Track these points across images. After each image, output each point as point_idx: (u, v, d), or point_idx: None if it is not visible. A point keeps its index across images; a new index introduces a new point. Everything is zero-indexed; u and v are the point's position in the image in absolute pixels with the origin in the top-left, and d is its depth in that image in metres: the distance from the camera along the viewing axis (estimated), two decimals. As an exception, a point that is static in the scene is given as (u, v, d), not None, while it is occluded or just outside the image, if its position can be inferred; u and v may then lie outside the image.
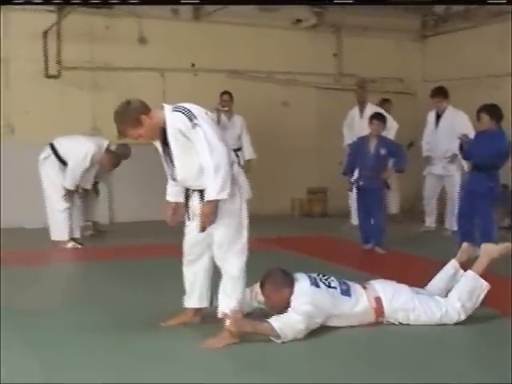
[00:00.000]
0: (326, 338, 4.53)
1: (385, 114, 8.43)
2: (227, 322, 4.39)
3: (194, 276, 4.75)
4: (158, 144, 4.56)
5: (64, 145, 8.10)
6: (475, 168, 7.51)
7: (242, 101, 10.15)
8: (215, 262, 4.58)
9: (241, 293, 4.50)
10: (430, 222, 9.54)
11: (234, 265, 4.45)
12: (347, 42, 11.61)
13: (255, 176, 10.16)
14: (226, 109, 9.68)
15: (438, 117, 9.19)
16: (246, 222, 4.52)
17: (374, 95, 10.65)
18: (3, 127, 9.76)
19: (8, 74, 9.74)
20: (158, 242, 7.91)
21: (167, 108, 4.43)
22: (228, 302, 4.45)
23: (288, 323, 4.43)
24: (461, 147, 7.69)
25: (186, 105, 4.43)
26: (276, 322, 4.41)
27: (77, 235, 8.27)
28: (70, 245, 8.12)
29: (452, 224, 8.75)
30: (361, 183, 7.85)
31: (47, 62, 9.93)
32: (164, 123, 4.40)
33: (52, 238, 8.17)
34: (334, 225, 9.57)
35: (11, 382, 3.73)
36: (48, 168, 8.09)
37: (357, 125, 9.88)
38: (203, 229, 4.38)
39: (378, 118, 7.89)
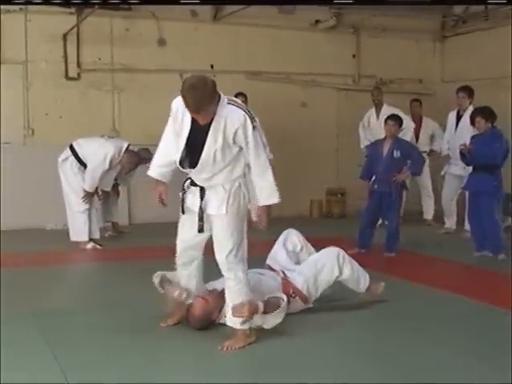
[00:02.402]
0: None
1: (401, 114, 8.36)
2: (240, 325, 4.41)
3: (188, 277, 4.74)
4: (184, 126, 4.33)
5: (83, 146, 8.14)
6: (478, 169, 7.54)
7: (261, 102, 10.13)
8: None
9: (247, 294, 4.45)
10: (451, 223, 9.47)
11: (240, 270, 4.43)
12: (366, 43, 11.58)
13: (274, 177, 10.21)
14: None
15: (459, 117, 9.15)
16: (245, 228, 4.48)
17: (394, 96, 10.62)
18: (23, 129, 9.85)
19: (28, 77, 9.83)
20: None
21: (223, 97, 4.26)
22: (236, 305, 4.44)
23: None
24: (461, 155, 7.72)
25: (240, 103, 4.40)
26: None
27: (96, 236, 8.30)
28: (90, 246, 8.17)
29: None
30: (375, 186, 7.74)
31: (67, 64, 10.00)
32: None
33: (72, 239, 8.23)
34: (353, 226, 9.53)
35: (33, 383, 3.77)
36: (67, 169, 8.13)
37: (373, 126, 9.92)
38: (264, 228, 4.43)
39: (392, 118, 7.81)
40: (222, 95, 4.27)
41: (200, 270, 4.75)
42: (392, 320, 5.08)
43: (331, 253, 5.13)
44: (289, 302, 4.90)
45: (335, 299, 5.36)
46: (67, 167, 8.13)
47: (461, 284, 6.45)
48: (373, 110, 10.11)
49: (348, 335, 4.77)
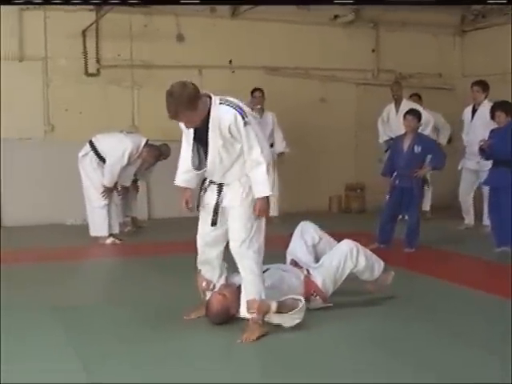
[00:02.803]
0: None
1: (420, 109, 8.33)
2: (252, 315, 4.48)
3: (209, 272, 4.82)
4: (189, 131, 4.51)
5: (103, 142, 8.17)
6: (497, 164, 7.50)
7: (280, 97, 10.16)
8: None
9: (262, 287, 4.54)
10: (469, 219, 9.41)
11: (254, 261, 4.49)
12: (386, 38, 11.53)
13: (293, 172, 10.24)
14: (259, 107, 9.62)
15: (474, 111, 9.10)
16: (263, 222, 4.56)
17: (413, 91, 10.56)
18: (44, 125, 9.92)
19: (48, 73, 9.89)
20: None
21: (215, 99, 4.38)
22: (250, 297, 4.52)
23: None
24: (481, 151, 7.67)
25: (233, 100, 4.44)
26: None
27: (116, 231, 8.35)
28: (110, 241, 8.21)
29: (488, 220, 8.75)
30: (397, 182, 7.69)
31: (86, 61, 10.05)
32: (208, 112, 4.36)
33: (91, 234, 8.27)
34: (372, 221, 9.51)
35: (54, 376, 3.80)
36: (87, 165, 8.17)
37: (392, 121, 9.89)
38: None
39: (410, 113, 7.77)
40: (214, 96, 4.40)
41: (220, 264, 4.82)
42: (412, 315, 5.07)
43: (345, 247, 5.13)
44: (309, 300, 4.92)
45: (351, 293, 5.35)
46: (87, 163, 8.17)
47: (481, 279, 6.41)
48: (392, 105, 10.08)
49: (366, 329, 4.77)
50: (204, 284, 4.82)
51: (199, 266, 4.84)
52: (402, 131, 7.99)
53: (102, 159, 8.09)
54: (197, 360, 4.14)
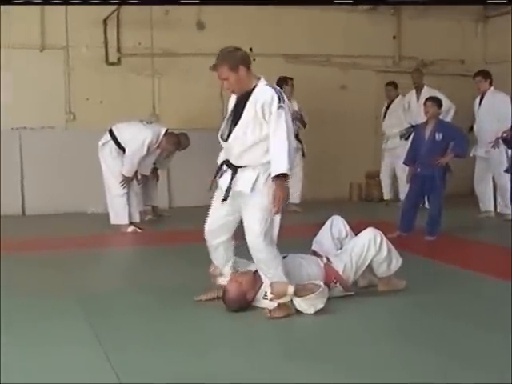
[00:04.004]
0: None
1: (441, 96, 8.29)
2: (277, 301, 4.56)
3: (218, 258, 4.90)
4: (232, 101, 4.74)
5: (123, 131, 8.19)
6: None
7: (301, 85, 10.10)
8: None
9: (281, 271, 4.60)
10: (484, 206, 9.32)
11: (269, 252, 4.54)
12: (407, 24, 11.46)
13: (313, 160, 10.20)
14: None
15: (482, 100, 9.13)
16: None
17: (436, 78, 10.51)
18: (65, 114, 9.97)
19: (69, 62, 9.93)
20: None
21: (262, 81, 4.59)
22: (274, 279, 4.59)
23: None
24: (504, 140, 7.63)
25: (278, 88, 4.63)
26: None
27: (136, 219, 8.38)
28: (130, 229, 8.25)
29: (503, 208, 8.96)
30: (418, 170, 7.64)
31: (107, 49, 10.08)
32: (252, 89, 4.55)
33: (112, 223, 8.32)
34: (392, 209, 9.48)
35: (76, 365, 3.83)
36: (106, 154, 8.20)
37: (413, 108, 9.85)
38: (277, 211, 4.48)
39: (430, 100, 7.72)
40: (263, 79, 4.60)
41: (229, 251, 4.88)
42: (432, 303, 5.04)
43: (369, 233, 5.12)
44: (329, 288, 4.93)
45: (372, 285, 5.34)
46: (106, 151, 8.21)
47: (504, 268, 6.36)
48: (413, 92, 10.05)
49: (385, 317, 4.77)
50: (211, 269, 4.93)
51: (209, 248, 4.91)
52: (424, 119, 7.94)
53: (121, 148, 8.12)
54: (218, 344, 4.17)
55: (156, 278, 5.89)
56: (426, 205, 8.27)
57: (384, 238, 5.14)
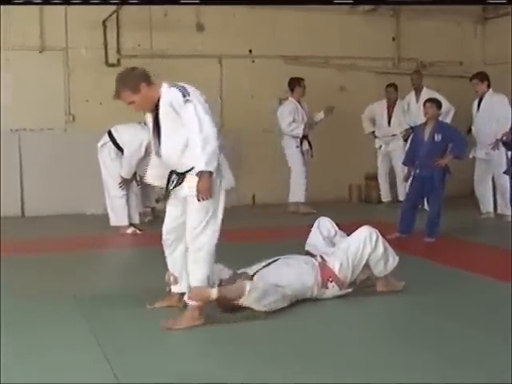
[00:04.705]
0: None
1: (440, 98, 8.31)
2: (189, 301, 4.48)
3: (173, 263, 4.82)
4: (149, 118, 4.67)
5: (121, 133, 8.20)
6: None
7: (300, 87, 10.13)
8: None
9: (207, 276, 4.51)
10: (484, 207, 9.33)
11: (202, 249, 4.49)
12: (406, 26, 11.45)
13: (313, 162, 10.19)
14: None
15: (481, 102, 9.14)
16: (221, 210, 4.56)
17: (435, 79, 10.51)
18: (65, 115, 9.97)
19: (69, 63, 9.93)
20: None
21: (165, 85, 4.56)
22: (192, 284, 4.53)
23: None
24: (504, 143, 7.65)
25: (182, 84, 4.55)
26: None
27: (136, 221, 8.39)
28: (130, 230, 8.26)
29: (503, 209, 8.95)
30: (417, 171, 7.66)
31: (107, 51, 10.07)
32: (159, 99, 4.51)
33: (111, 224, 8.32)
34: (391, 211, 9.49)
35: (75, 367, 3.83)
36: (105, 155, 8.21)
37: (413, 110, 9.89)
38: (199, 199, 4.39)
39: (429, 101, 7.75)
40: (165, 83, 4.57)
41: (183, 257, 4.74)
42: (430, 305, 5.04)
43: (364, 231, 5.12)
44: (327, 287, 4.93)
45: (370, 285, 5.34)
46: (105, 153, 8.21)
47: (503, 270, 6.36)
48: (412, 94, 10.07)
49: (382, 319, 4.77)
50: (166, 278, 4.86)
51: (166, 254, 4.87)
52: (423, 120, 7.95)
53: (120, 150, 8.12)
54: (219, 344, 4.17)
55: (155, 279, 5.89)
56: (426, 206, 8.28)
57: (379, 236, 5.14)
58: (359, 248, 5.05)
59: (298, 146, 9.89)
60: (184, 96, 4.40)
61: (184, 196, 4.54)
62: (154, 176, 4.85)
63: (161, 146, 4.57)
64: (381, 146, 10.63)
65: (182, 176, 4.54)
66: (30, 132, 9.80)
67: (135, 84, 4.52)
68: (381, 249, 5.10)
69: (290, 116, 9.78)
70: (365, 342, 4.25)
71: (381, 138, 10.61)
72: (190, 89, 4.49)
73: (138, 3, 9.68)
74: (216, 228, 4.53)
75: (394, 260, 5.22)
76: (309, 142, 9.95)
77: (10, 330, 4.41)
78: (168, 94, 4.48)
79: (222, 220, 4.59)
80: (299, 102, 9.92)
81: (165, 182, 4.67)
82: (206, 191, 4.36)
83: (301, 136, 9.87)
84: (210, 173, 4.35)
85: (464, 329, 4.46)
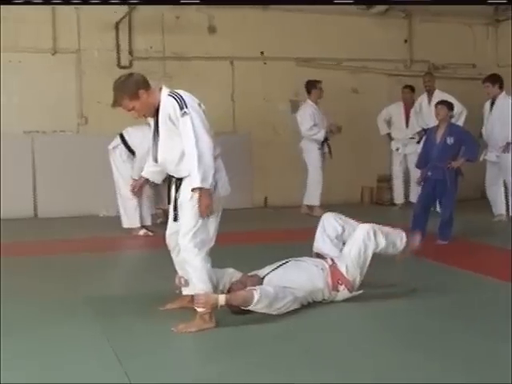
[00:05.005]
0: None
1: (452, 100, 8.29)
2: (197, 308, 4.44)
3: (181, 266, 4.78)
4: (151, 122, 4.68)
5: (132, 135, 8.21)
6: None
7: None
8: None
9: (208, 281, 4.52)
10: (496, 210, 9.29)
11: (196, 255, 4.49)
12: (418, 28, 11.44)
13: (325, 164, 10.19)
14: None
15: (493, 105, 9.12)
16: (215, 216, 4.56)
17: (447, 81, 10.49)
18: (77, 118, 10.01)
19: (81, 66, 9.97)
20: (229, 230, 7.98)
21: (164, 91, 4.54)
22: (196, 291, 4.51)
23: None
24: None
25: (182, 92, 4.53)
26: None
27: (148, 223, 8.40)
28: (142, 232, 8.27)
29: None
30: (429, 174, 7.64)
31: (119, 53, 10.11)
32: (158, 104, 4.51)
33: (124, 226, 8.34)
34: (403, 213, 9.47)
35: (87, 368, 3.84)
36: (117, 157, 8.23)
37: (425, 112, 9.85)
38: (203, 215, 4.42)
39: (441, 103, 7.73)
40: (165, 88, 4.56)
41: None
42: (444, 308, 5.03)
43: (361, 232, 5.10)
44: (338, 290, 4.94)
45: (387, 285, 5.33)
46: (117, 155, 8.24)
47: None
48: (424, 96, 10.05)
49: (397, 324, 4.74)
50: (176, 281, 4.83)
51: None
52: (435, 122, 7.93)
53: (131, 152, 8.14)
54: (229, 346, 4.17)
55: (167, 281, 5.90)
56: (438, 208, 8.25)
57: (377, 229, 5.13)
58: (360, 251, 5.04)
59: (319, 148, 9.89)
60: (181, 108, 4.39)
61: (180, 202, 4.56)
62: (150, 173, 4.98)
63: (158, 152, 4.60)
64: (398, 149, 10.59)
65: (179, 181, 4.56)
66: (42, 134, 9.85)
67: (134, 91, 4.50)
68: (383, 242, 5.10)
69: (310, 120, 9.76)
70: (377, 345, 4.23)
71: (398, 140, 10.57)
72: (188, 99, 4.47)
73: (137, 3, 9.67)
74: (206, 234, 4.53)
75: (401, 238, 5.25)
76: (328, 145, 9.94)
77: (21, 329, 4.45)
78: (167, 104, 4.46)
79: (223, 222, 4.62)
80: (316, 104, 9.90)
81: (161, 179, 4.82)
82: (206, 208, 4.41)
83: (323, 140, 9.86)
84: (209, 189, 4.39)
85: (477, 332, 4.44)
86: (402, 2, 10.61)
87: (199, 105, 4.54)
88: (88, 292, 5.50)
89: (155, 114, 4.55)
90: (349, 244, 5.14)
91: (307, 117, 9.76)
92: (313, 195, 9.87)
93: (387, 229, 5.25)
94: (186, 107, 4.39)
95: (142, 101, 4.52)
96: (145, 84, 4.56)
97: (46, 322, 4.67)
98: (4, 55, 9.54)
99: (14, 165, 9.54)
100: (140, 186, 8.04)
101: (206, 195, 4.38)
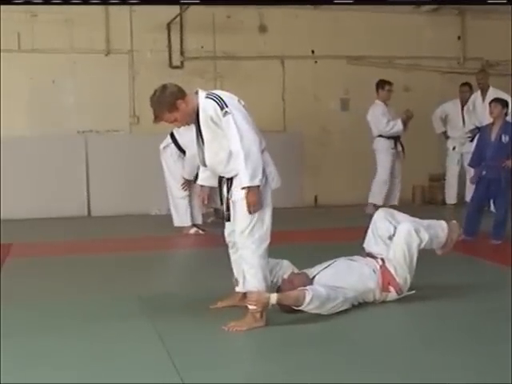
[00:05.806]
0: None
1: (507, 97, 8.14)
2: (249, 306, 4.42)
3: (235, 263, 4.80)
4: (194, 128, 4.64)
5: (183, 135, 8.20)
6: None
7: (363, 87, 10.07)
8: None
9: (262, 279, 4.53)
10: None
11: (253, 252, 4.49)
12: (472, 25, 11.26)
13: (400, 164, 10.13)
14: None
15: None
16: (269, 211, 4.55)
17: (502, 78, 10.32)
18: (130, 117, 10.13)
19: (134, 66, 10.10)
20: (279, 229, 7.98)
21: (201, 94, 4.51)
22: (249, 289, 4.52)
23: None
24: None
25: (219, 92, 4.53)
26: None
27: (199, 221, 8.45)
28: (193, 231, 8.33)
29: None
30: (484, 172, 7.52)
31: (171, 53, 10.20)
32: (198, 109, 4.48)
33: (175, 225, 8.40)
34: (455, 213, 9.33)
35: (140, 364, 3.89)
36: (168, 157, 8.30)
37: (478, 110, 9.70)
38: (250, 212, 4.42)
39: (495, 100, 7.61)
40: (201, 92, 4.53)
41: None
42: (499, 311, 4.94)
43: (402, 233, 5.00)
44: (389, 291, 4.91)
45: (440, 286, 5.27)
46: (168, 154, 8.30)
47: None
48: (478, 93, 9.89)
49: (455, 324, 4.68)
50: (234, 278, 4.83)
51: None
52: (489, 120, 7.81)
53: (182, 151, 8.19)
54: (289, 344, 4.17)
55: (218, 279, 5.93)
56: (492, 208, 8.11)
57: (418, 225, 5.03)
58: (404, 251, 4.96)
59: (392, 148, 9.82)
60: (222, 108, 4.38)
61: (232, 201, 4.56)
62: (206, 179, 4.91)
63: (205, 156, 4.60)
64: (454, 147, 10.45)
65: (230, 180, 4.56)
66: (95, 134, 10.00)
67: (172, 103, 4.48)
68: (426, 235, 5.01)
69: (384, 117, 9.68)
70: (428, 345, 4.18)
71: (455, 139, 10.43)
72: (227, 97, 4.47)
73: (137, 3, 9.70)
74: (263, 231, 4.53)
75: (442, 229, 5.16)
76: (401, 144, 9.86)
77: (73, 327, 4.53)
78: (206, 107, 4.44)
79: (273, 220, 4.59)
80: (386, 104, 9.80)
81: (215, 182, 4.75)
82: (255, 204, 4.41)
83: (401, 132, 9.75)
84: (258, 185, 4.39)
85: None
86: (397, 3, 10.46)
87: (238, 101, 4.54)
88: (139, 290, 5.55)
89: (196, 118, 4.55)
90: (392, 248, 5.08)
91: (380, 115, 9.66)
92: (377, 194, 9.81)
93: (427, 221, 5.18)
94: (227, 106, 4.39)
95: (181, 110, 4.51)
96: (181, 93, 4.53)
97: (98, 319, 4.73)
98: (59, 56, 9.74)
99: (68, 164, 9.72)
100: (208, 197, 8.09)
101: (253, 192, 4.39)
